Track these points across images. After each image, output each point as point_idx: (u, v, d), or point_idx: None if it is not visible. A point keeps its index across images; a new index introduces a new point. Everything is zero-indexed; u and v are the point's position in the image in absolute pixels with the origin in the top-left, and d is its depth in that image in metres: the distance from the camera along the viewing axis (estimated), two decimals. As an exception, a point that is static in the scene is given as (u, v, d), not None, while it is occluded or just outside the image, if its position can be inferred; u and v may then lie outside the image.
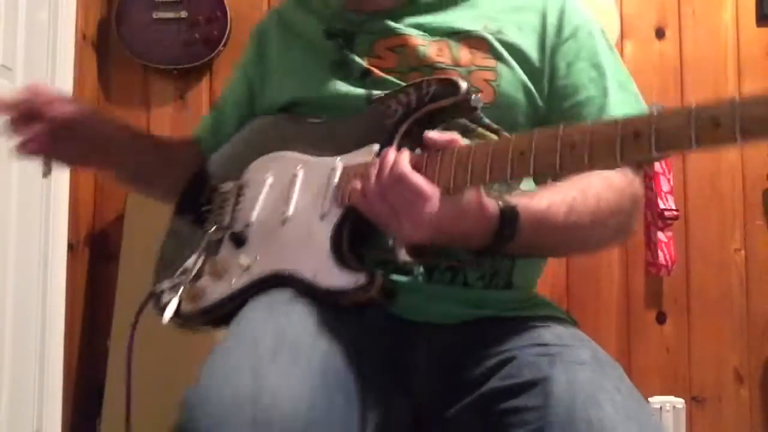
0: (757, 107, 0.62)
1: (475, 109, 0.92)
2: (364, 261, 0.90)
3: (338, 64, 1.05)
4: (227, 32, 2.37)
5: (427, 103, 0.92)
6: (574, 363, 0.82)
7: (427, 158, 0.84)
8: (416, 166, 0.83)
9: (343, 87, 1.03)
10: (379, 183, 0.82)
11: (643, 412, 0.78)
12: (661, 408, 2.25)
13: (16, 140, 1.05)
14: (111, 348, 2.22)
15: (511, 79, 1.01)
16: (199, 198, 1.11)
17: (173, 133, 2.37)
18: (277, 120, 1.11)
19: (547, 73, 1.03)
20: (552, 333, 0.91)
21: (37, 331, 2.17)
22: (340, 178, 0.92)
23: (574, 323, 1.01)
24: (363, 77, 1.03)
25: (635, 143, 0.69)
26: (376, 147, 0.92)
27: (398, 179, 0.80)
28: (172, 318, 1.00)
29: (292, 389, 0.70)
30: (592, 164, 0.72)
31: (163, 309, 1.01)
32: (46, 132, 1.05)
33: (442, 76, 0.95)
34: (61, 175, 2.27)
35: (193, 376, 0.74)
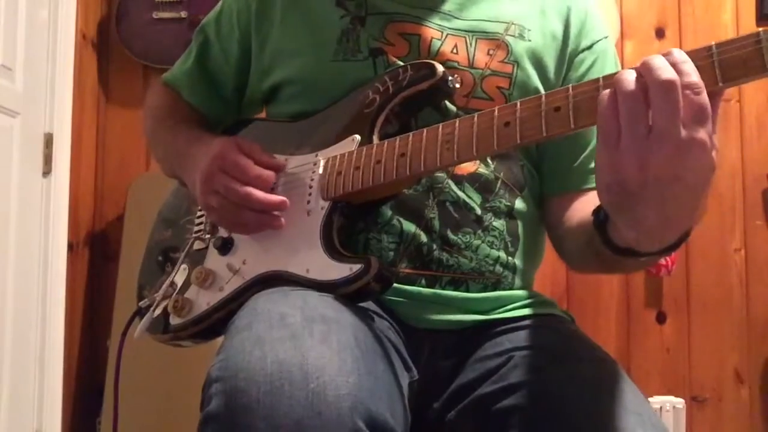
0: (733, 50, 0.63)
1: (452, 92, 0.90)
2: (357, 250, 0.89)
3: (345, 41, 0.98)
4: (227, 32, 2.37)
5: (405, 88, 0.90)
6: (572, 360, 0.83)
7: (400, 141, 0.83)
8: (401, 148, 0.81)
9: (350, 68, 0.97)
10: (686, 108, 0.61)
11: (644, 406, 0.78)
12: (661, 408, 2.25)
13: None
14: (111, 348, 2.22)
15: (525, 90, 0.96)
16: (179, 210, 1.09)
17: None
18: (255, 123, 1.08)
19: (559, 85, 0.99)
20: (550, 331, 0.91)
21: (37, 331, 2.16)
22: (324, 170, 0.90)
23: (572, 320, 1.01)
24: (372, 56, 0.97)
25: None
26: (357, 138, 0.90)
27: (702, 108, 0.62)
28: (162, 334, 0.98)
29: (335, 360, 0.68)
30: (577, 123, 0.70)
31: (149, 326, 0.99)
32: None
33: (418, 61, 0.93)
34: (61, 175, 2.27)
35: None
